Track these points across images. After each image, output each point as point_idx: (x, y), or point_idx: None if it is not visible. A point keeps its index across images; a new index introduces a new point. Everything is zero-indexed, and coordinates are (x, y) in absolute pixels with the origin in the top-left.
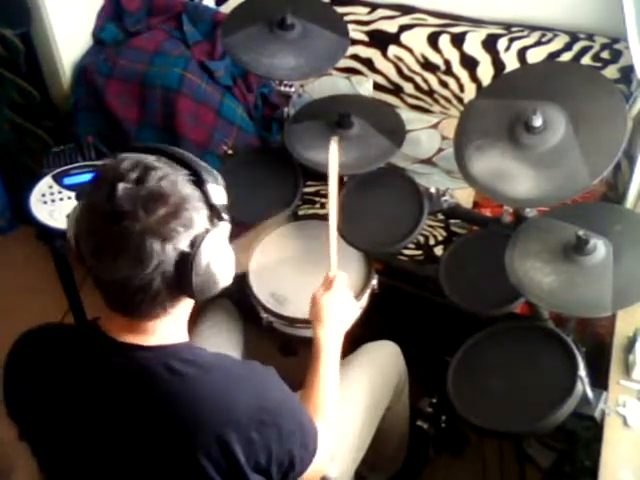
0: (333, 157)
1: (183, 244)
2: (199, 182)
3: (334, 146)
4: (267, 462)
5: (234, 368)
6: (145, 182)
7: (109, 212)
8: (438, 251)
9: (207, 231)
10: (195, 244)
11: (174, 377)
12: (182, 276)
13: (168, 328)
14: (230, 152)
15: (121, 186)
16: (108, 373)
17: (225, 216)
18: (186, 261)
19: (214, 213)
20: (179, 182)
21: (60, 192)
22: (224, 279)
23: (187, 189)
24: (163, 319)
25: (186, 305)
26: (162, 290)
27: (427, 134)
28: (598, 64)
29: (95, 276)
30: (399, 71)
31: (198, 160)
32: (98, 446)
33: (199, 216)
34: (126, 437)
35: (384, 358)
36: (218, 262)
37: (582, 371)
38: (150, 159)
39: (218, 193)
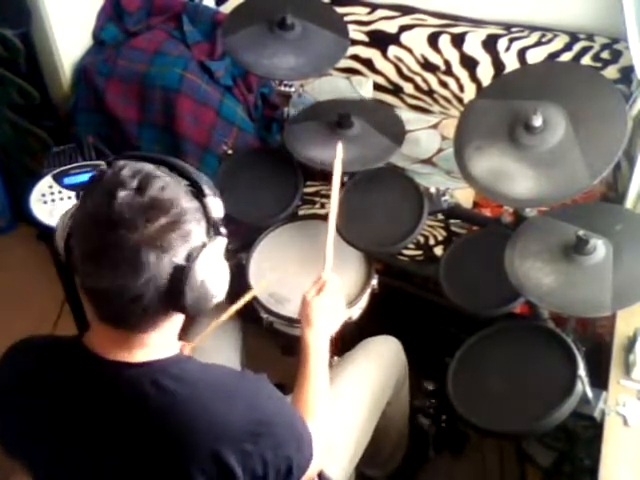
0: (338, 162)
1: (179, 257)
2: (199, 194)
3: (339, 152)
4: (264, 471)
5: (224, 381)
6: (146, 190)
7: (106, 219)
8: (438, 251)
9: (204, 245)
10: (191, 257)
11: (163, 395)
12: (175, 290)
13: (157, 343)
14: (230, 152)
15: (121, 193)
16: (95, 392)
17: (223, 230)
18: (181, 275)
19: (212, 226)
20: (180, 193)
21: (60, 192)
22: (218, 295)
23: (188, 201)
24: (152, 334)
25: (177, 319)
26: (154, 303)
27: (427, 134)
28: (598, 64)
29: (84, 283)
30: (399, 71)
31: (197, 172)
32: (89, 464)
33: (198, 228)
34: (117, 455)
35: (385, 353)
36: (213, 277)
37: (582, 371)
38: (150, 167)
39: (217, 206)
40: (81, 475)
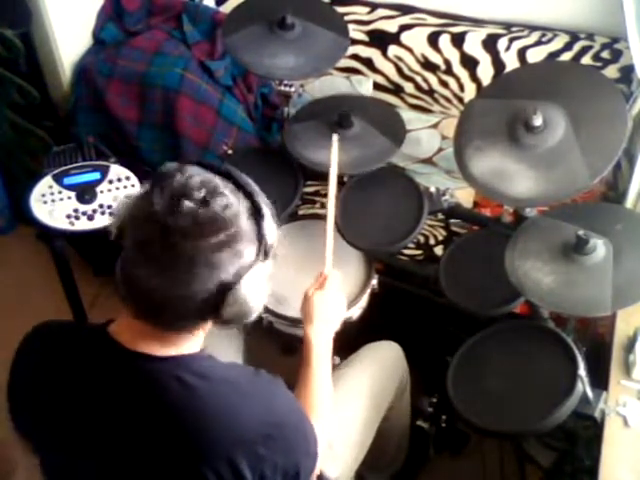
0: (334, 154)
1: (228, 274)
2: (258, 217)
3: (335, 143)
4: (272, 473)
5: (242, 381)
6: (210, 205)
7: (165, 222)
8: (438, 251)
9: (251, 266)
10: (238, 276)
11: (184, 390)
12: (219, 304)
13: (185, 342)
14: (230, 152)
15: (186, 203)
16: (116, 382)
17: (272, 255)
18: (226, 291)
19: (263, 249)
20: (240, 215)
21: (60, 192)
22: (255, 313)
23: (246, 224)
24: (183, 335)
25: (209, 325)
26: (197, 312)
27: (427, 134)
28: (598, 64)
29: (130, 279)
30: (399, 71)
31: (261, 192)
32: (102, 454)
33: (249, 249)
34: (131, 447)
35: (386, 358)
36: (254, 296)
37: (582, 371)
38: (217, 182)
39: (272, 231)
40: (93, 460)
